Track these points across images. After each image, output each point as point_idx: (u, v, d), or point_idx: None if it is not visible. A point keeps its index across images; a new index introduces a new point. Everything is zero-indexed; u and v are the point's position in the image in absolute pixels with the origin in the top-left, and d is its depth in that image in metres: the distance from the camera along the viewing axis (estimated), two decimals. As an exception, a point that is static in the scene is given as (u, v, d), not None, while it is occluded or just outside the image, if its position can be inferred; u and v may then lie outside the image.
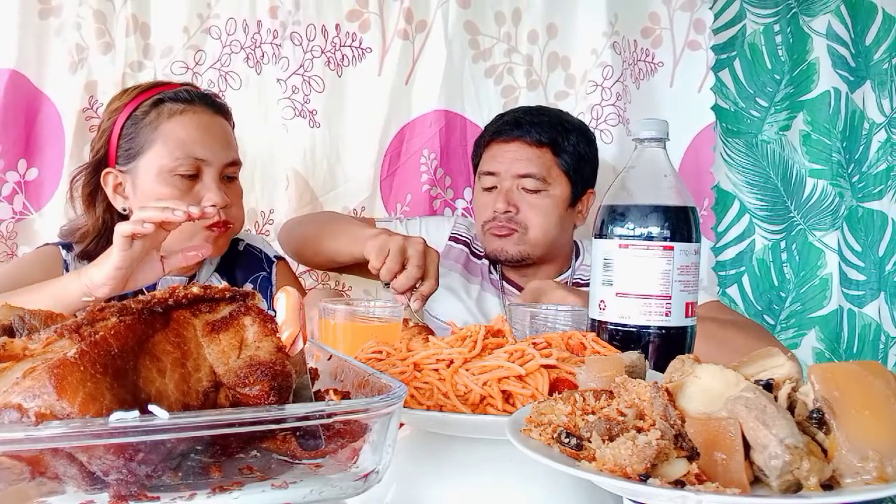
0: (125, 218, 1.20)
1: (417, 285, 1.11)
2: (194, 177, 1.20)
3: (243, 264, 1.39)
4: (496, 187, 1.51)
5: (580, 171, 1.52)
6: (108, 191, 1.23)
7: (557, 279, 1.55)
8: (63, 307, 0.94)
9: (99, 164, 1.24)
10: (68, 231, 1.29)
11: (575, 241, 1.62)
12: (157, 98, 1.22)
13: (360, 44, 1.73)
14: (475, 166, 1.60)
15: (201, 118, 1.23)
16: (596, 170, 1.57)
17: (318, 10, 1.70)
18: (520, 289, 1.54)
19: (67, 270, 1.23)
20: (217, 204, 1.20)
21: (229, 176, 1.26)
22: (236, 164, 1.28)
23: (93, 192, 1.25)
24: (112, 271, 0.99)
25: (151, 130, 1.20)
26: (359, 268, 1.34)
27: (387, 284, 1.12)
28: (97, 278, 1.00)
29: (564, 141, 1.50)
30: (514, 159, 1.49)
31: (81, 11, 1.57)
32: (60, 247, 1.27)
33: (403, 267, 1.10)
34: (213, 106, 1.27)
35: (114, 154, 1.23)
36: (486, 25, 1.79)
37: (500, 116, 1.57)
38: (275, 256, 1.44)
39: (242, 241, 1.42)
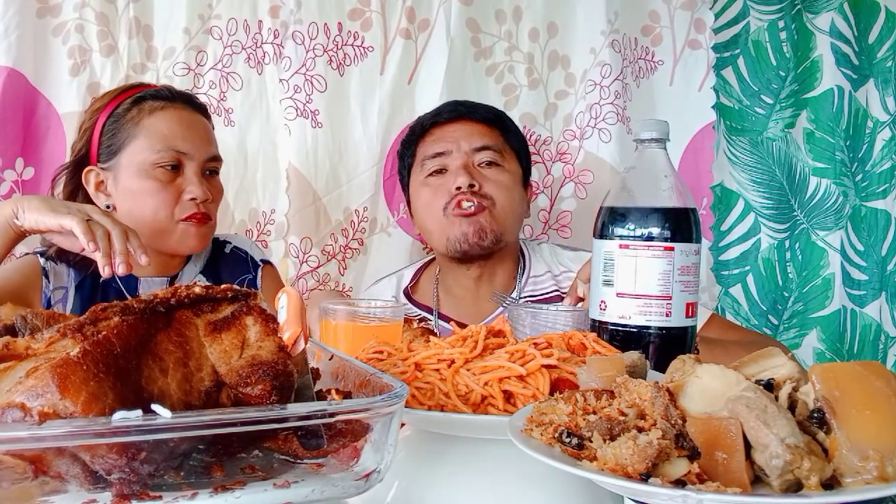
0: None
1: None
2: (176, 170, 1.23)
3: (229, 266, 1.39)
4: (445, 169, 1.37)
5: (525, 153, 1.46)
6: (90, 189, 1.25)
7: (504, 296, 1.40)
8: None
9: (80, 163, 1.26)
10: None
11: (521, 245, 1.49)
12: (139, 96, 1.25)
13: (363, 42, 1.73)
14: (408, 167, 1.45)
15: (182, 114, 1.26)
16: (531, 163, 1.51)
17: (320, 8, 1.70)
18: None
19: (46, 278, 1.24)
20: (198, 197, 1.22)
21: (211, 171, 1.29)
22: (217, 159, 1.30)
23: (73, 191, 1.27)
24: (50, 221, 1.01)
25: (133, 126, 1.23)
26: None
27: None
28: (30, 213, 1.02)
29: (508, 121, 1.45)
30: (466, 134, 1.37)
31: (84, 14, 1.57)
32: (38, 255, 1.27)
33: None
34: (193, 104, 1.30)
35: (95, 152, 1.25)
36: (488, 23, 1.79)
37: (427, 114, 1.47)
38: (261, 260, 1.43)
39: (229, 243, 1.43)
